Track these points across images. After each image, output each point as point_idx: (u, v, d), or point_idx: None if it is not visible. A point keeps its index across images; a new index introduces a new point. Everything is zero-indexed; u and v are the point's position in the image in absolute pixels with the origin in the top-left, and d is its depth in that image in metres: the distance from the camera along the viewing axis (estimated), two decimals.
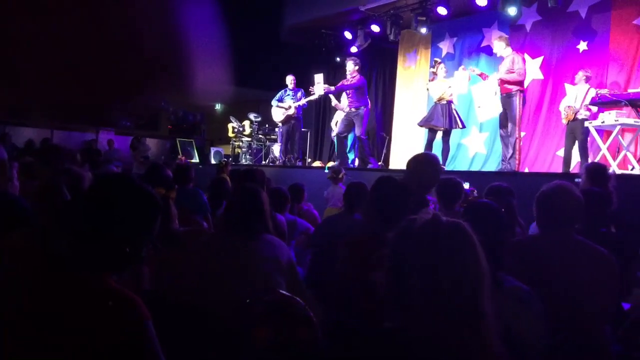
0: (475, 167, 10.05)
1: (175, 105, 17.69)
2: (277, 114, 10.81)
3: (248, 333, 1.81)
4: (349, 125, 9.45)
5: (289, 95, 10.75)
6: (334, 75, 13.79)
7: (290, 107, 10.61)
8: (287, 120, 10.71)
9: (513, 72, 7.70)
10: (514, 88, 7.72)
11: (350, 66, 9.41)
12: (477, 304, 1.36)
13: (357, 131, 9.23)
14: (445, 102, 8.53)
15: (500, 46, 7.99)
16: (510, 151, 7.78)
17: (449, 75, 8.83)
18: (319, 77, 9.92)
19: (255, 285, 2.54)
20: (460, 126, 8.87)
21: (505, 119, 7.85)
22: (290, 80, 10.86)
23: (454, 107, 8.66)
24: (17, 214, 2.53)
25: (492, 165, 9.62)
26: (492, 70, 8.98)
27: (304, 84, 11.02)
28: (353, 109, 9.29)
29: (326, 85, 9.84)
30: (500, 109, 8.03)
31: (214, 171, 9.23)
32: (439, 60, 9.17)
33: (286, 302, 1.99)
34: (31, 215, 2.61)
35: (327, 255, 3.35)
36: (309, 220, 4.88)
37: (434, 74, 8.82)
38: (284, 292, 2.38)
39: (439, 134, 8.77)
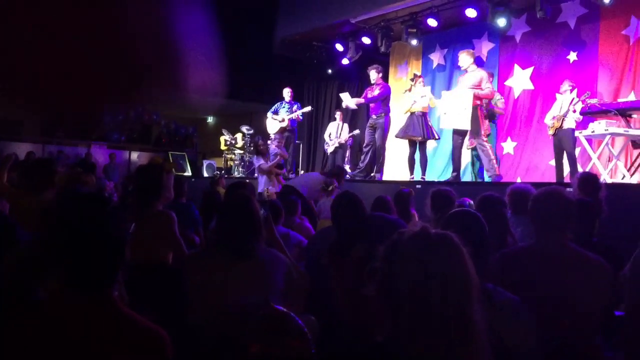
0: (467, 178, 10.07)
1: (166, 118, 17.67)
2: (272, 126, 10.84)
3: (240, 349, 1.80)
4: (374, 134, 9.32)
5: (284, 107, 10.80)
6: (325, 86, 13.86)
7: (284, 119, 10.64)
8: (281, 132, 10.73)
9: (482, 89, 7.82)
10: (478, 102, 7.85)
11: (374, 75, 9.31)
12: (467, 315, 1.36)
13: (379, 140, 9.17)
14: (420, 113, 8.61)
15: (467, 60, 7.98)
16: (491, 157, 7.90)
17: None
18: (345, 95, 9.88)
19: (245, 305, 2.50)
20: (436, 137, 9.07)
21: (477, 131, 7.95)
22: (287, 92, 10.92)
23: (428, 119, 8.79)
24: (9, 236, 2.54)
25: (484, 176, 9.65)
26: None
27: (296, 96, 11.07)
28: (374, 116, 9.27)
29: (356, 99, 9.74)
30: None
31: (206, 184, 9.22)
32: (418, 74, 9.27)
33: (279, 317, 1.98)
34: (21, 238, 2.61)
35: (321, 268, 3.35)
36: (302, 234, 4.87)
37: (412, 86, 8.91)
38: (277, 306, 2.36)
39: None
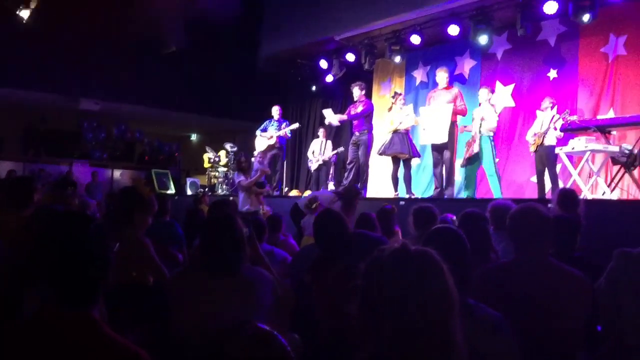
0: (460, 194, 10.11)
1: (150, 136, 17.60)
2: (260, 144, 10.85)
3: None
4: (357, 150, 9.40)
5: (273, 125, 10.84)
6: (310, 103, 13.90)
7: (272, 137, 10.67)
8: (269, 149, 10.76)
9: (456, 106, 8.34)
10: (454, 119, 8.31)
11: (357, 92, 9.48)
12: (447, 331, 1.37)
13: (362, 157, 9.24)
14: (404, 131, 8.72)
15: (443, 77, 8.61)
16: (446, 177, 8.43)
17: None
18: (328, 112, 9.97)
19: (229, 323, 2.47)
20: (419, 155, 9.33)
21: (451, 147, 8.37)
22: (276, 110, 10.96)
23: (411, 137, 8.98)
24: None
25: (466, 192, 9.71)
26: (467, 98, 9.22)
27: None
28: (357, 133, 9.34)
29: (339, 115, 9.89)
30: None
31: (189, 202, 9.18)
32: (399, 92, 9.37)
33: (262, 336, 1.97)
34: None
35: (304, 285, 3.34)
36: (286, 250, 4.86)
37: (393, 104, 9.00)
38: (260, 324, 2.35)
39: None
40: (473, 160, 8.32)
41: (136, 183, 13.10)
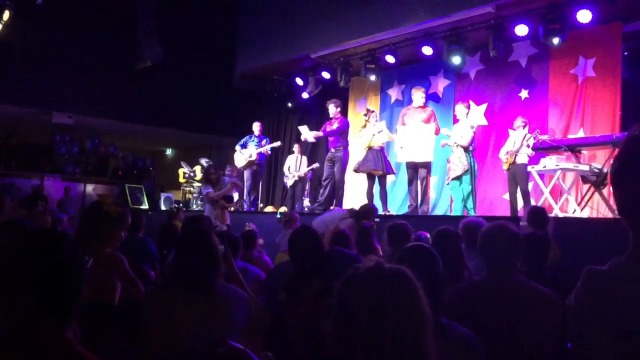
0: (440, 211, 10.16)
1: (124, 150, 17.41)
2: (239, 160, 10.83)
3: None
4: (333, 167, 9.46)
5: (253, 141, 10.86)
6: (286, 119, 13.92)
7: (251, 154, 10.69)
8: (248, 165, 10.76)
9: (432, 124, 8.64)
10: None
11: (332, 109, 9.62)
12: (420, 349, 1.38)
13: (337, 174, 9.26)
14: (378, 148, 8.79)
15: (420, 97, 8.90)
16: (425, 193, 8.66)
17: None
18: (303, 128, 10.03)
19: (203, 341, 2.46)
20: (394, 172, 9.35)
21: (427, 165, 8.67)
22: (256, 127, 10.98)
23: (386, 154, 9.08)
24: None
25: (442, 209, 9.80)
26: (441, 116, 9.37)
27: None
28: (332, 150, 9.39)
29: (315, 132, 9.96)
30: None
31: (164, 218, 9.08)
32: (372, 109, 9.46)
33: (235, 354, 1.96)
34: None
35: (278, 303, 3.33)
36: (261, 267, 4.84)
37: (366, 121, 9.06)
38: (234, 343, 2.34)
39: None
40: (459, 177, 8.30)
41: (102, 198, 12.94)
